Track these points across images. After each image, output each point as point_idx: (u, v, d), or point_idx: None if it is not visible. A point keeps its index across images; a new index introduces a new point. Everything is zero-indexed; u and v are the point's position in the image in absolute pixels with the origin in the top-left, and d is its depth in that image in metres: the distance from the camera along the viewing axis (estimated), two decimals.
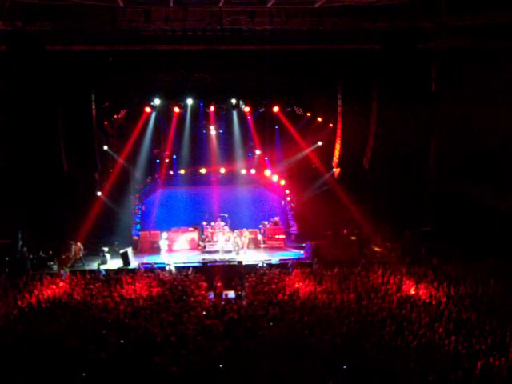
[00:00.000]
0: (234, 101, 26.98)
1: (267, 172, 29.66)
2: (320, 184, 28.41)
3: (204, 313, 16.08)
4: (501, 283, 18.24)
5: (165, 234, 26.52)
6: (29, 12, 18.87)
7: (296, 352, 12.61)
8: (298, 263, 22.54)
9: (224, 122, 29.23)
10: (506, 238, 21.31)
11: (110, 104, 25.91)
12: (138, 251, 25.65)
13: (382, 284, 18.92)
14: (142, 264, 22.56)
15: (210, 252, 25.41)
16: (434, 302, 16.78)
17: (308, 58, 22.21)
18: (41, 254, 22.62)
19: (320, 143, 28.52)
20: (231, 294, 19.07)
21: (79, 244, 23.67)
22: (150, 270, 21.61)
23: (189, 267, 22.12)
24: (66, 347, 12.84)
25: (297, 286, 18.88)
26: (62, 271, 21.42)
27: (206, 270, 22.04)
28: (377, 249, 24.76)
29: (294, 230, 28.67)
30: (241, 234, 26.17)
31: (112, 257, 23.75)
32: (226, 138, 29.42)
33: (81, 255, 23.47)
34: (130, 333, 14.02)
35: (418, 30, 20.75)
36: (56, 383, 11.41)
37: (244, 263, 22.76)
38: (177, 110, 27.14)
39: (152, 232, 26.93)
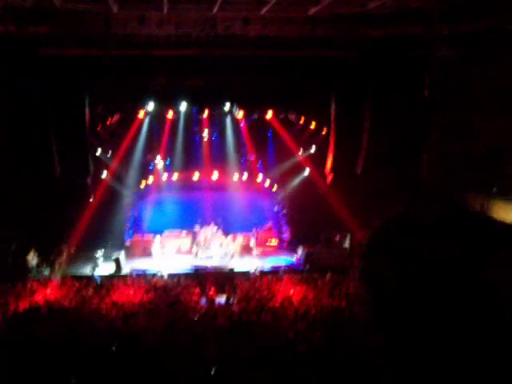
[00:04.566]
0: (227, 106, 26.95)
1: (257, 177, 29.75)
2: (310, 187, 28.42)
3: (196, 319, 16.10)
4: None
5: (157, 239, 26.48)
6: (22, 16, 18.85)
7: (288, 359, 12.64)
8: (290, 269, 22.59)
9: (217, 128, 29.23)
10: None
11: (104, 109, 25.85)
12: (131, 256, 25.62)
13: None
14: (134, 269, 22.55)
15: (202, 257, 25.40)
16: None
17: (302, 65, 22.27)
18: (33, 258, 22.59)
19: (313, 149, 28.59)
20: (223, 300, 19.08)
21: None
22: (142, 275, 21.59)
23: (180, 273, 22.14)
24: (57, 353, 12.83)
25: (289, 292, 18.91)
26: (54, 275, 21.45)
27: (198, 275, 22.05)
28: None
29: (286, 235, 28.70)
30: (234, 240, 26.19)
31: (104, 261, 23.73)
32: (219, 143, 29.43)
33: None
34: (121, 339, 14.00)
35: (410, 38, 20.82)
36: None
37: (236, 269, 22.79)
38: (170, 115, 27.13)
39: (144, 237, 26.92)
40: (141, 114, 26.49)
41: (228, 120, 28.52)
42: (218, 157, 29.41)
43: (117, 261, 23.09)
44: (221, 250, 25.45)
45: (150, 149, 28.81)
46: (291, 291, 18.99)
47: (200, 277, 21.73)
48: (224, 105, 26.86)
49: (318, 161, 28.09)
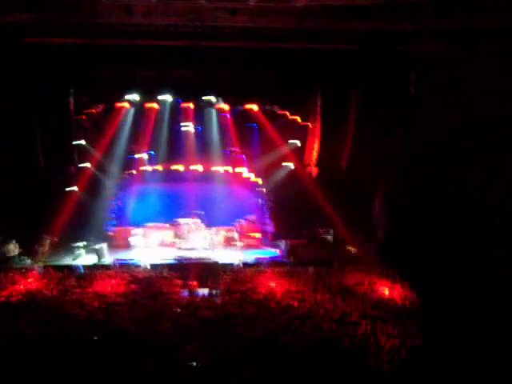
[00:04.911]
0: (212, 98, 26.83)
1: (241, 169, 29.61)
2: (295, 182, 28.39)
3: (178, 310, 16.05)
4: None
5: (140, 230, 26.34)
6: (7, 3, 18.63)
7: (270, 351, 12.64)
8: (273, 262, 22.57)
9: (202, 119, 29.06)
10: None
11: (89, 98, 25.67)
12: (113, 247, 25.40)
13: (356, 284, 19.02)
14: (117, 260, 22.44)
15: (185, 249, 25.27)
16: (406, 303, 16.92)
17: (288, 57, 22.24)
18: (14, 248, 22.41)
19: (298, 142, 28.51)
20: (206, 292, 19.04)
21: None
22: (124, 266, 21.49)
23: (163, 264, 22.05)
24: (38, 342, 12.75)
25: (272, 284, 18.91)
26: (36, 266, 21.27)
27: (180, 267, 21.95)
28: (352, 249, 24.82)
29: (270, 228, 28.63)
30: (217, 232, 26.13)
31: (86, 252, 23.58)
32: (203, 134, 29.26)
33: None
34: (103, 329, 13.94)
35: (397, 33, 20.83)
36: (29, 380, 11.30)
37: (219, 261, 22.72)
38: (155, 105, 26.97)
39: (127, 228, 26.77)
40: (126, 104, 26.33)
41: (213, 112, 28.36)
42: (203, 149, 29.23)
43: (99, 251, 22.93)
44: (204, 242, 25.36)
45: (135, 139, 28.61)
46: (274, 284, 18.99)
47: (183, 269, 21.62)
48: (209, 96, 26.74)
49: (303, 154, 28.09)
